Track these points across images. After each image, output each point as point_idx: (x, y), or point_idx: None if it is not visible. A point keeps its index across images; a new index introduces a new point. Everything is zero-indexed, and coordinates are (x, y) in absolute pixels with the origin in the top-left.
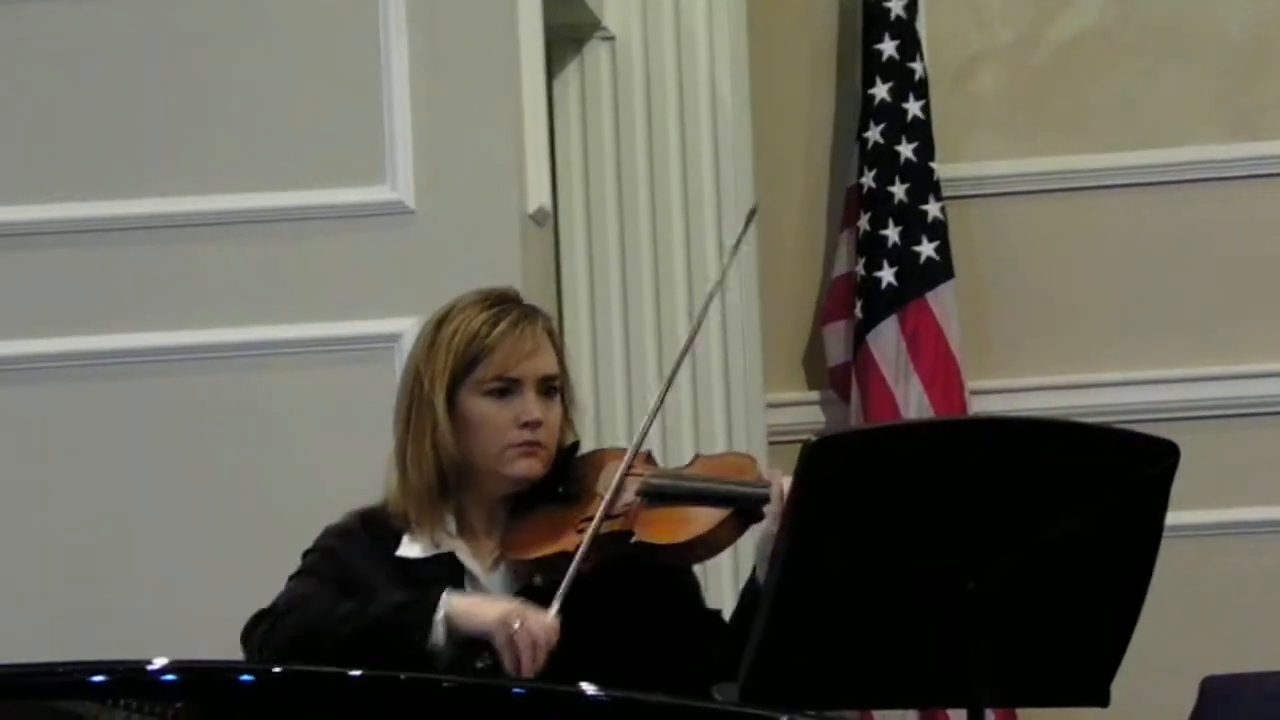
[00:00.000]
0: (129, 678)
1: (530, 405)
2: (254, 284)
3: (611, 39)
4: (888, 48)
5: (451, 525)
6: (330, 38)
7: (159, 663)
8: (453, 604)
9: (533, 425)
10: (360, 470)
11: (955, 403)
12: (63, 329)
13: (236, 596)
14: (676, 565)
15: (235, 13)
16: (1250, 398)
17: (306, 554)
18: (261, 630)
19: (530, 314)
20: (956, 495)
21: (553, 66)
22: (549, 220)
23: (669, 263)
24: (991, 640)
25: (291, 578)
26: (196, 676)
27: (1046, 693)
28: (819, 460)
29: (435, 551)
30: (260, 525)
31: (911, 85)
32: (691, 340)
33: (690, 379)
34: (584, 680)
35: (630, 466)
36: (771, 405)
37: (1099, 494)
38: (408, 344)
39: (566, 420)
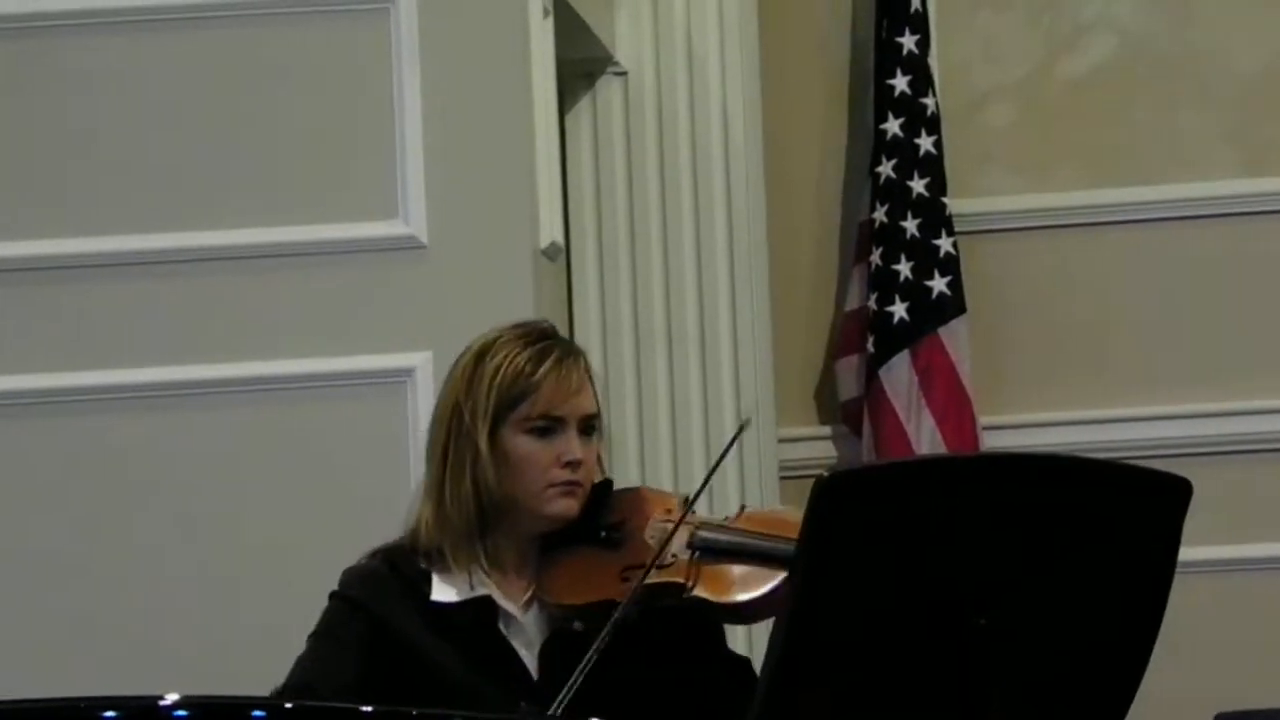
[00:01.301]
0: (141, 713)
1: (572, 445)
2: (266, 318)
3: (624, 74)
4: (900, 83)
5: (484, 562)
6: (344, 73)
7: (171, 698)
8: None
9: (574, 465)
10: (372, 503)
11: (967, 438)
12: (74, 364)
13: (248, 628)
14: (730, 623)
15: (249, 49)
16: (1263, 434)
17: (332, 597)
18: None
19: (573, 352)
20: (969, 531)
21: (565, 101)
22: (561, 255)
23: (680, 297)
24: (1003, 676)
25: (313, 635)
26: (208, 712)
27: None
28: (831, 496)
29: (470, 594)
30: (271, 558)
31: (924, 120)
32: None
33: (702, 412)
34: None
35: (683, 517)
36: (783, 440)
37: (1112, 530)
38: (420, 378)
39: (598, 459)
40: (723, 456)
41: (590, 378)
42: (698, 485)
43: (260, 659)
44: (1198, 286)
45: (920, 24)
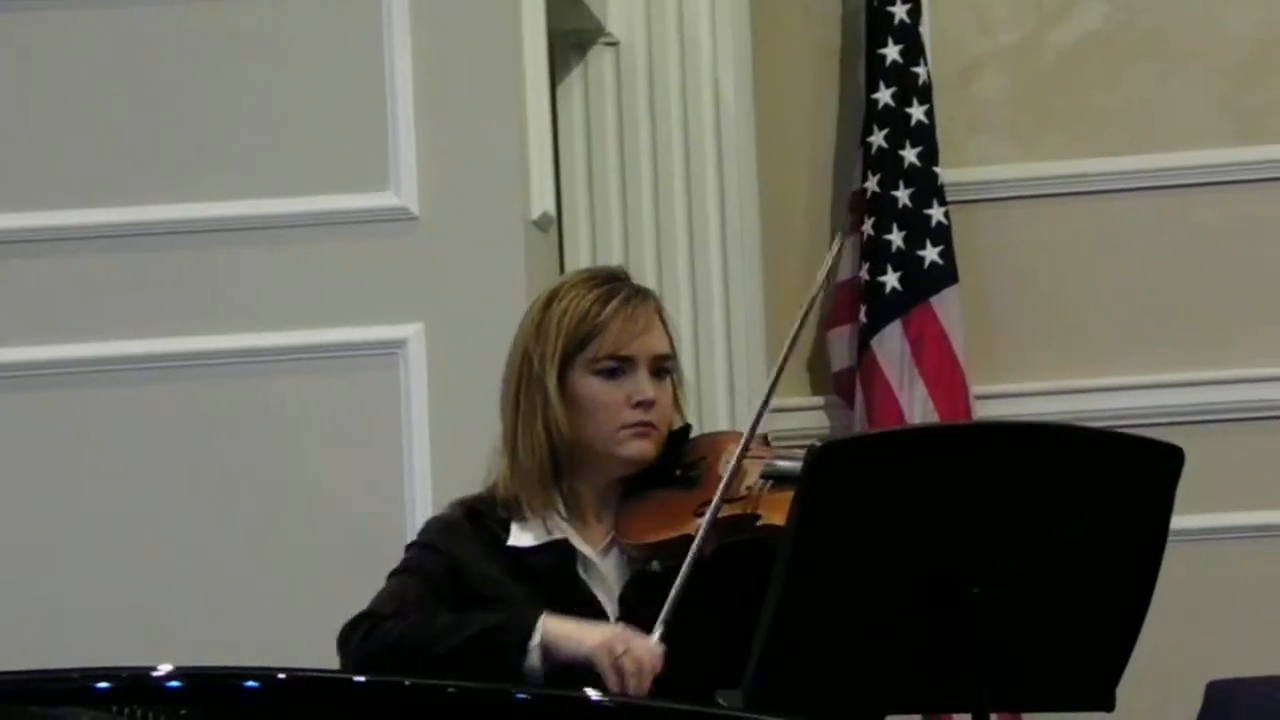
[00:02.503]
0: (134, 685)
1: (643, 384)
2: (257, 290)
3: (615, 44)
4: (891, 52)
5: (561, 508)
6: (334, 44)
7: (164, 669)
8: (549, 628)
9: (646, 405)
10: (366, 475)
11: (960, 408)
12: (65, 336)
13: (240, 601)
14: None
15: (238, 20)
16: (1256, 402)
17: (410, 547)
18: (359, 636)
19: (641, 292)
20: (961, 500)
21: (556, 72)
22: (553, 226)
23: (673, 268)
24: (996, 645)
25: (393, 574)
26: (201, 683)
27: (1051, 697)
28: (823, 466)
29: (548, 539)
30: (265, 530)
31: (915, 90)
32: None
33: (694, 383)
34: (697, 672)
35: (747, 448)
36: (776, 410)
37: (1104, 498)
38: (412, 350)
39: (676, 403)
40: (778, 377)
41: (662, 319)
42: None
43: (252, 633)
44: (1190, 254)
45: None
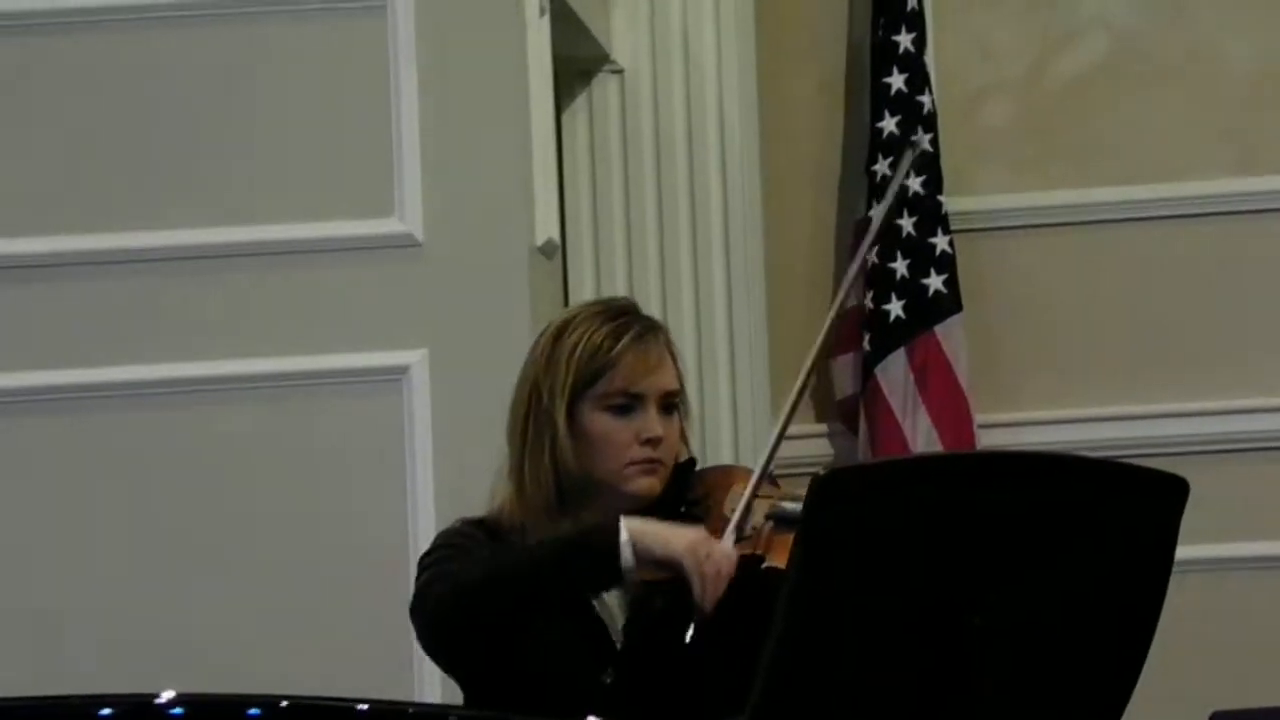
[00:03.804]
0: (136, 711)
1: (652, 422)
2: (261, 316)
3: (620, 72)
4: (896, 81)
5: None
6: (340, 70)
7: (166, 695)
8: (634, 527)
9: (654, 442)
10: (369, 501)
11: (963, 436)
12: (67, 361)
13: (243, 626)
14: None
15: (244, 47)
16: (1259, 432)
17: (426, 555)
18: (438, 590)
19: (653, 327)
20: (964, 529)
21: (561, 99)
22: (557, 253)
23: (677, 295)
24: (999, 676)
25: (428, 564)
26: (203, 709)
27: None
28: (827, 494)
29: None
30: (269, 556)
31: (920, 119)
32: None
33: (698, 410)
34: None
35: (757, 489)
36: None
37: (1108, 529)
38: (416, 376)
39: (682, 436)
40: (790, 417)
41: (672, 353)
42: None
43: (255, 659)
44: (1193, 285)
45: (916, 22)
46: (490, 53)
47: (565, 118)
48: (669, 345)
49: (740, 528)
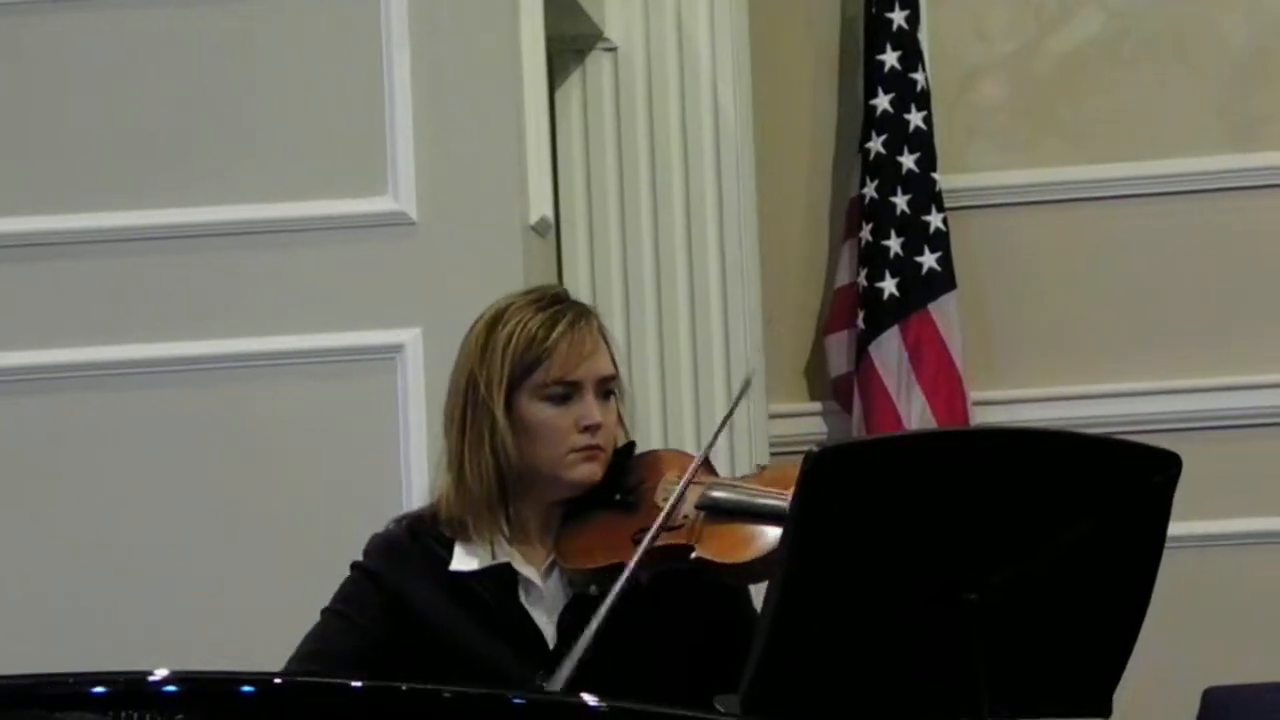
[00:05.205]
0: (130, 689)
1: (590, 408)
2: (255, 295)
3: (614, 49)
4: (890, 58)
5: (506, 530)
6: (332, 48)
7: (160, 674)
8: None
9: (593, 429)
10: (362, 479)
11: (958, 414)
12: (61, 340)
13: (237, 605)
14: (734, 584)
15: (235, 25)
16: (1253, 408)
17: (354, 567)
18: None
19: (585, 314)
20: (958, 506)
21: (555, 77)
22: (551, 231)
23: (671, 273)
24: (993, 651)
25: (327, 609)
26: (198, 687)
27: (1048, 703)
28: (821, 471)
29: (491, 563)
30: (262, 535)
31: (913, 96)
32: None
33: (693, 390)
34: (626, 692)
35: (692, 478)
36: (774, 416)
37: (1101, 504)
38: (410, 355)
39: (620, 420)
40: (729, 416)
41: (605, 339)
42: (698, 453)
43: (249, 637)
44: (1186, 261)
45: None
46: (483, 30)
47: (559, 96)
48: (602, 331)
49: (669, 517)
